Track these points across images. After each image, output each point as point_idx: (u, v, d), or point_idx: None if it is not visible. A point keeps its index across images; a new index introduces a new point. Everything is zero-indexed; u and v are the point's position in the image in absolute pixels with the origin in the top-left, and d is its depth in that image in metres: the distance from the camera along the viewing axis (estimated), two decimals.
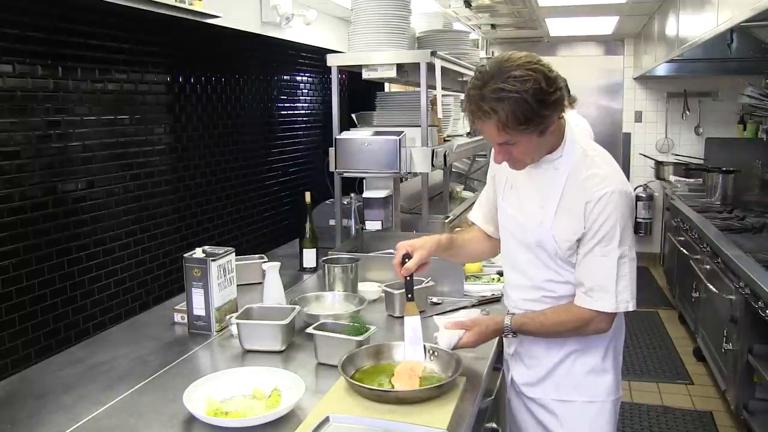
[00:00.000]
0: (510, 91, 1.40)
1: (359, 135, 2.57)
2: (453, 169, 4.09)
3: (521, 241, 1.67)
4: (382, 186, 2.86)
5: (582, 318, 1.57)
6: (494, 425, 1.82)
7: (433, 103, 2.75)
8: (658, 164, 6.28)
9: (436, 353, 1.63)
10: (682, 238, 4.62)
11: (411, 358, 1.60)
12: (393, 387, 1.49)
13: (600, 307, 1.55)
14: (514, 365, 1.79)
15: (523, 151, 1.52)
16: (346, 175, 2.67)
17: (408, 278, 1.65)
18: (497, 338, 1.75)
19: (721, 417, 3.49)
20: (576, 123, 4.62)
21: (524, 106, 1.40)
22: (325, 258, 2.30)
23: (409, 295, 1.65)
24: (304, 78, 3.47)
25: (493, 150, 1.59)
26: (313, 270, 2.66)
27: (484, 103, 1.43)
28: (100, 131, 2.02)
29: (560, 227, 1.57)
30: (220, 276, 1.96)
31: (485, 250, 1.90)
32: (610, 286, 1.53)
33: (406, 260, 1.66)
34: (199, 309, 1.95)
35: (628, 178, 7.16)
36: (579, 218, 1.54)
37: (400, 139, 2.49)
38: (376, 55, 2.62)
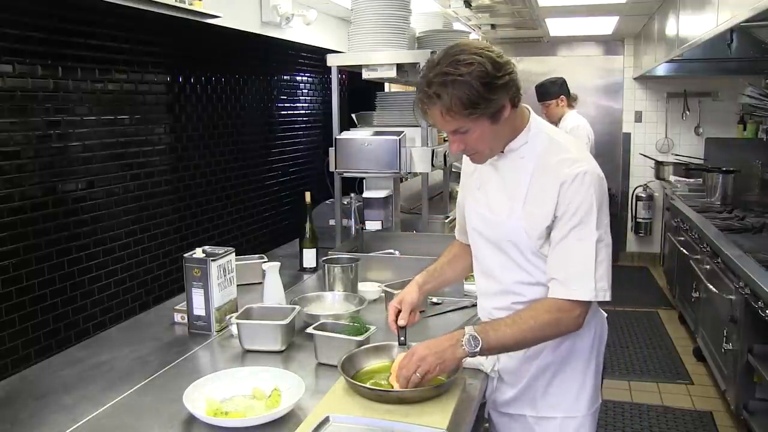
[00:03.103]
0: (453, 74, 1.38)
1: (359, 135, 2.57)
2: (453, 169, 4.08)
3: (491, 240, 1.62)
4: (382, 186, 2.86)
5: (558, 308, 1.46)
6: None
7: None
8: (658, 164, 6.28)
9: None
10: (682, 238, 4.62)
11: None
12: (391, 386, 1.49)
13: (578, 295, 1.45)
14: (491, 382, 1.72)
15: (478, 138, 1.48)
16: (346, 175, 2.67)
17: (401, 328, 1.64)
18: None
19: (721, 417, 3.49)
20: (576, 123, 4.63)
21: (468, 90, 1.38)
22: (325, 258, 2.30)
23: (402, 339, 1.63)
24: (304, 78, 3.47)
25: (449, 139, 1.53)
26: (313, 270, 2.66)
27: (429, 89, 1.41)
28: (100, 131, 2.02)
29: (530, 214, 1.52)
30: (220, 276, 1.96)
31: (470, 263, 1.82)
32: (587, 272, 1.45)
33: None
34: (199, 309, 1.95)
35: (627, 178, 7.17)
36: (551, 201, 1.47)
37: (400, 139, 2.49)
38: (376, 55, 2.62)
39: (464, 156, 1.79)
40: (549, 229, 1.51)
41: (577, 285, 1.46)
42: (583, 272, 1.45)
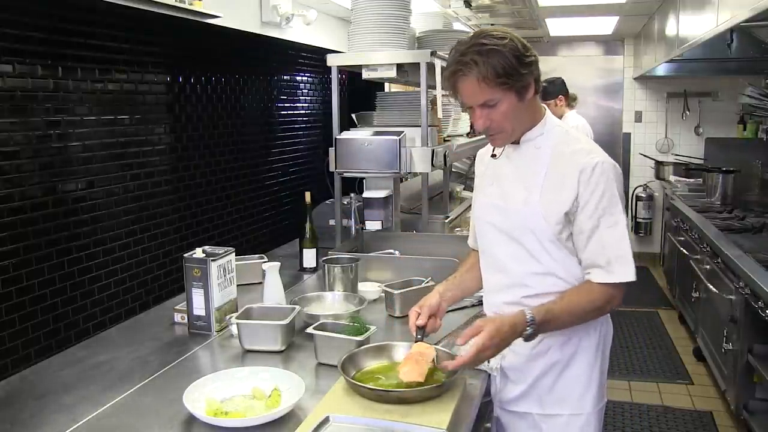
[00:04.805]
0: (489, 44, 1.47)
1: (359, 135, 2.57)
2: (453, 169, 4.09)
3: (504, 231, 1.64)
4: (382, 186, 2.86)
5: (608, 294, 1.54)
6: None
7: (433, 103, 2.76)
8: (658, 164, 6.28)
9: (436, 354, 1.62)
10: (682, 238, 4.62)
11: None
12: (398, 374, 1.49)
13: (622, 278, 1.53)
14: (495, 381, 1.73)
15: (504, 114, 1.53)
16: (346, 175, 2.67)
17: (420, 328, 1.65)
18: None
19: (721, 417, 3.49)
20: (575, 123, 4.63)
21: (503, 60, 1.47)
22: (325, 258, 2.30)
23: (419, 337, 1.63)
24: (304, 78, 3.47)
25: (474, 116, 1.57)
26: (313, 270, 2.66)
27: (465, 57, 1.48)
28: (100, 131, 2.02)
29: (548, 202, 1.56)
30: (220, 276, 1.96)
31: None
32: (627, 254, 1.54)
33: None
34: (199, 309, 1.95)
35: (627, 178, 7.17)
36: (570, 188, 1.53)
37: (400, 139, 2.49)
38: (376, 55, 2.62)
39: (476, 159, 1.82)
40: (568, 215, 1.55)
41: (620, 269, 1.54)
42: (622, 255, 1.54)
